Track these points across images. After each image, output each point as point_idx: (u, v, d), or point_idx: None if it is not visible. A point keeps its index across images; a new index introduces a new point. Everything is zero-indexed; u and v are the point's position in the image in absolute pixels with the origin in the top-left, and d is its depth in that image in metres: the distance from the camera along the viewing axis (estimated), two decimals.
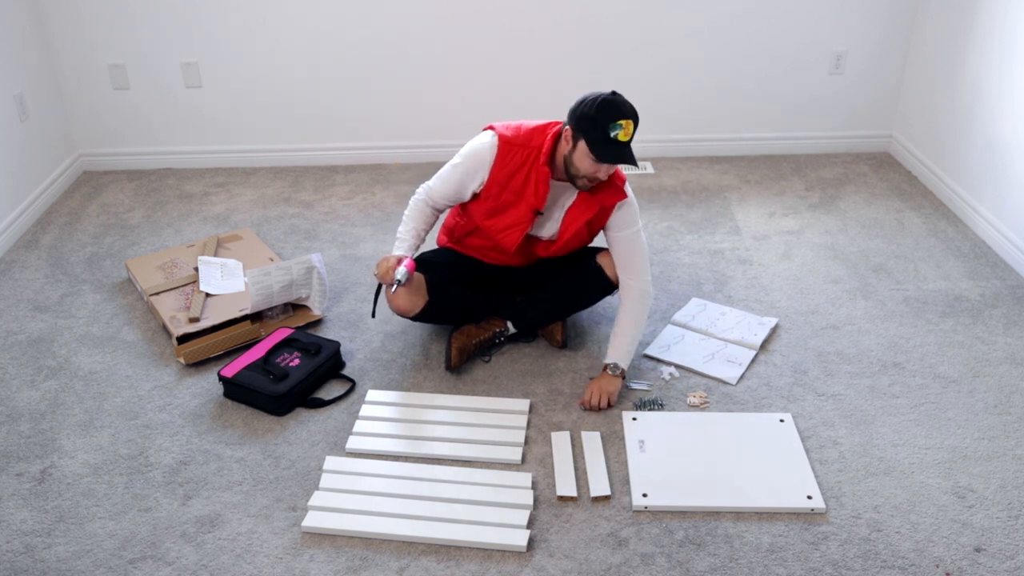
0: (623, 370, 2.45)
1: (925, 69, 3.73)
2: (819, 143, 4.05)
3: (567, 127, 2.30)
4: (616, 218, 2.45)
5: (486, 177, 2.41)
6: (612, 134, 2.21)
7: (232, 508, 2.12)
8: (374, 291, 2.60)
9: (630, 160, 2.26)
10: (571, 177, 2.34)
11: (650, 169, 3.93)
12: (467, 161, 2.43)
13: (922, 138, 3.78)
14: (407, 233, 2.51)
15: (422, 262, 2.61)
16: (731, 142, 4.04)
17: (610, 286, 2.59)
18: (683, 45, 3.81)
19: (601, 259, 2.57)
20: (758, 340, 2.68)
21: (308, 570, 1.95)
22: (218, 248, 3.16)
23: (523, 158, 2.37)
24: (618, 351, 2.46)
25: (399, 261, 2.40)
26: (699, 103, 3.95)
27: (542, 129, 2.39)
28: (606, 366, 2.46)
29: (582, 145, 2.25)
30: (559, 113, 4.07)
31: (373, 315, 2.65)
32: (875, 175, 3.85)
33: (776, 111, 3.97)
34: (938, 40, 3.62)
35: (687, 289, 2.99)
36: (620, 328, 2.48)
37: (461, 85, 3.86)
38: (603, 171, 2.30)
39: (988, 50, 3.26)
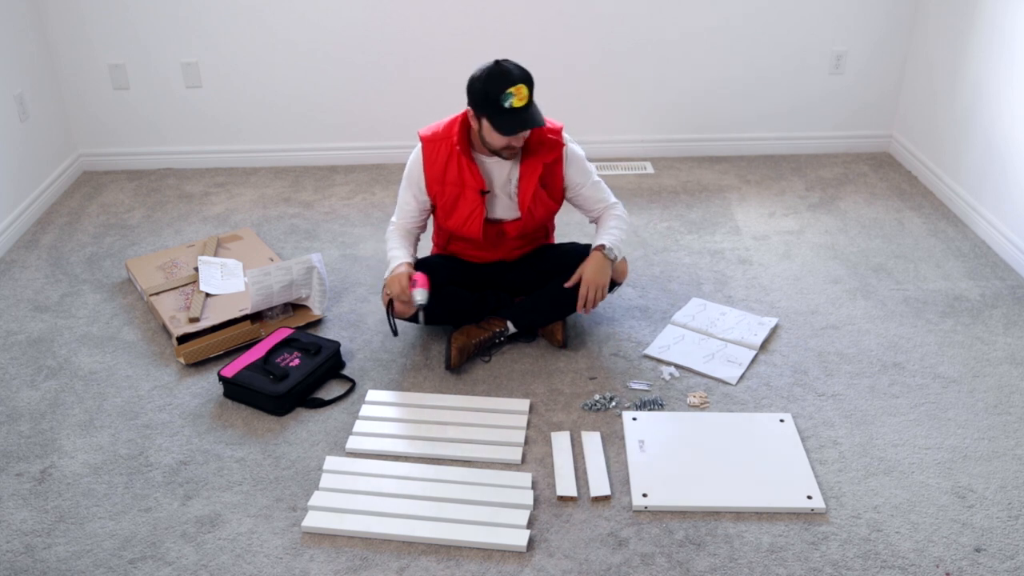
0: (615, 258, 2.50)
1: (925, 69, 3.73)
2: (819, 143, 4.05)
3: (468, 108, 2.37)
4: (570, 175, 2.53)
5: (424, 181, 2.49)
6: (506, 104, 2.25)
7: (232, 508, 2.12)
8: (385, 309, 2.57)
9: (532, 123, 2.29)
10: (495, 153, 2.41)
11: (650, 169, 3.93)
12: (407, 177, 2.53)
13: (922, 138, 3.78)
14: (397, 248, 2.54)
15: (419, 265, 2.61)
16: (731, 142, 4.04)
17: (611, 284, 2.59)
18: (683, 45, 3.81)
19: None
20: (758, 340, 2.68)
21: (308, 570, 1.95)
22: (218, 248, 3.16)
23: (447, 149, 2.45)
24: (610, 237, 2.51)
25: (411, 279, 2.44)
26: (699, 103, 3.95)
27: (457, 119, 2.47)
28: (600, 247, 2.49)
29: (485, 123, 2.32)
30: (560, 113, 4.07)
31: (395, 333, 2.58)
32: (875, 175, 3.85)
33: (776, 111, 3.97)
34: (938, 40, 3.62)
35: (687, 289, 3.00)
36: (611, 221, 2.56)
37: (461, 85, 3.84)
38: (519, 139, 2.35)
39: (988, 50, 3.26)
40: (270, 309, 2.79)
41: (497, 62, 2.29)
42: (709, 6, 3.73)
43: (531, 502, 2.10)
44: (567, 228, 3.35)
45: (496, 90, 2.25)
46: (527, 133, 2.36)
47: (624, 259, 2.61)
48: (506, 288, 2.69)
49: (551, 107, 3.89)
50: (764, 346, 2.69)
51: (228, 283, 2.92)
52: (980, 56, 3.32)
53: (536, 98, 3.84)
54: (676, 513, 2.08)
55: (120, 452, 2.31)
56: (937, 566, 1.94)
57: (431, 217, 2.67)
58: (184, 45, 3.75)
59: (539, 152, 2.46)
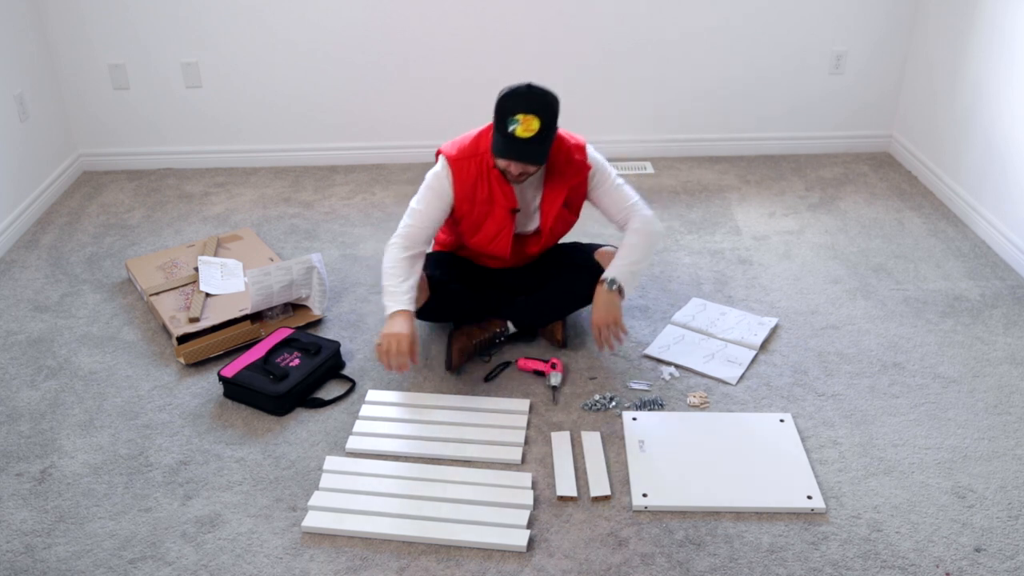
0: (621, 287, 2.41)
1: (925, 69, 3.73)
2: (819, 143, 4.05)
3: None
4: (593, 195, 2.49)
5: (452, 199, 2.40)
6: (509, 129, 2.18)
7: (232, 508, 2.12)
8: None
9: (524, 158, 2.21)
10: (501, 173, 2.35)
11: (650, 169, 3.93)
12: (428, 194, 2.40)
13: (922, 138, 3.78)
14: (398, 279, 2.32)
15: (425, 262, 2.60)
16: (731, 142, 4.04)
17: None
18: (683, 45, 3.81)
19: (599, 256, 2.57)
20: (758, 340, 2.68)
21: (308, 570, 1.95)
22: (218, 248, 3.16)
23: (476, 167, 2.36)
24: (617, 267, 2.42)
25: (411, 343, 2.25)
26: (699, 103, 3.95)
27: (484, 133, 2.38)
28: (601, 281, 2.41)
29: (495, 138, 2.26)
30: (561, 113, 4.04)
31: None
32: (875, 175, 3.85)
33: (776, 111, 3.97)
34: (938, 40, 3.62)
35: (687, 289, 2.99)
36: (623, 249, 2.45)
37: (461, 85, 3.86)
38: (512, 166, 2.26)
39: (988, 50, 3.26)
40: (270, 309, 2.79)
41: (529, 85, 2.23)
42: (709, 6, 3.73)
43: (531, 502, 2.10)
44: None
45: (506, 110, 2.19)
46: (523, 165, 2.27)
47: None
48: (508, 288, 2.69)
49: None
50: (764, 346, 2.68)
51: (228, 283, 2.92)
52: (980, 56, 3.32)
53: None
54: (676, 513, 2.08)
55: (120, 452, 2.30)
56: (937, 566, 1.94)
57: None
58: (184, 45, 3.75)
59: (566, 174, 2.40)
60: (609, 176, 2.50)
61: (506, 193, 2.38)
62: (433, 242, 2.63)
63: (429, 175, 2.42)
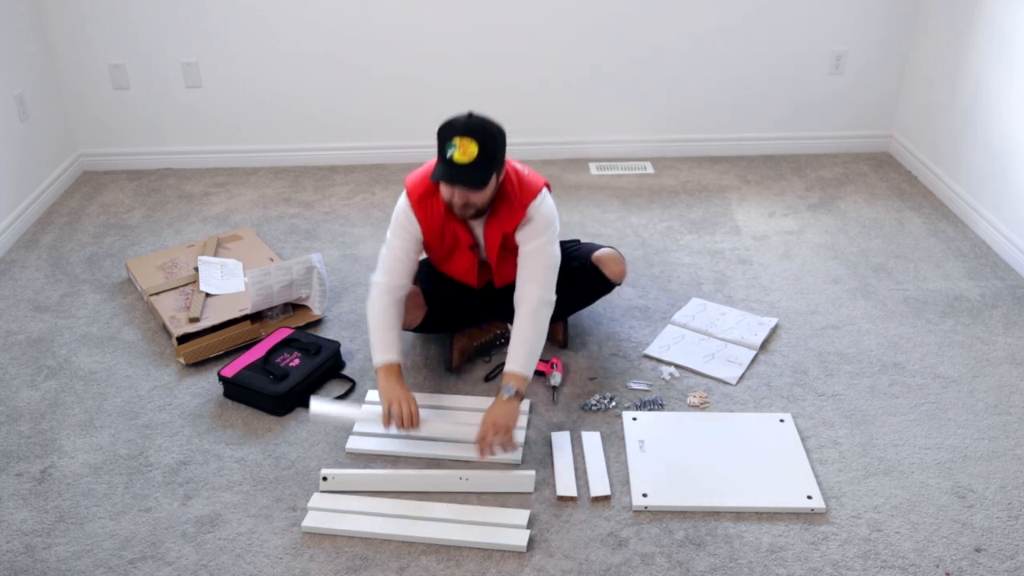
0: (519, 391, 2.20)
1: (925, 69, 3.73)
2: (819, 143, 4.05)
3: None
4: (521, 234, 2.30)
5: (420, 235, 2.33)
6: (448, 154, 2.11)
7: (232, 508, 2.12)
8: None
9: (461, 181, 2.13)
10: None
11: (650, 169, 3.93)
12: (399, 230, 2.33)
13: (922, 138, 3.78)
14: (384, 332, 2.28)
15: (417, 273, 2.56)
16: (731, 142, 4.04)
17: (608, 284, 2.58)
18: (683, 45, 3.81)
19: (598, 258, 2.55)
20: (758, 340, 2.68)
21: (308, 570, 1.95)
22: (218, 248, 3.16)
23: (438, 204, 2.28)
24: (515, 362, 2.22)
25: (414, 401, 2.24)
26: (699, 103, 3.95)
27: None
28: (500, 388, 2.21)
29: None
30: (561, 114, 4.05)
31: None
32: (875, 175, 3.85)
33: (776, 111, 3.97)
34: (938, 40, 3.62)
35: (687, 289, 2.99)
36: (517, 337, 2.24)
37: (461, 85, 3.86)
38: (456, 195, 2.17)
39: (988, 50, 3.26)
40: (270, 309, 2.79)
41: (470, 113, 2.15)
42: (709, 6, 3.73)
43: (531, 502, 2.09)
44: (567, 228, 3.35)
45: (445, 136, 2.13)
46: (467, 194, 2.17)
47: (622, 259, 2.58)
48: (500, 301, 2.57)
49: (552, 108, 3.92)
50: (764, 346, 2.68)
51: (228, 283, 2.92)
52: (980, 56, 3.31)
53: (538, 99, 3.87)
54: (676, 513, 2.08)
55: (120, 452, 2.30)
56: (937, 566, 1.94)
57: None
58: (184, 45, 3.75)
59: (502, 217, 2.28)
60: (542, 236, 2.28)
61: (463, 230, 2.33)
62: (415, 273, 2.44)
63: (397, 209, 2.34)
